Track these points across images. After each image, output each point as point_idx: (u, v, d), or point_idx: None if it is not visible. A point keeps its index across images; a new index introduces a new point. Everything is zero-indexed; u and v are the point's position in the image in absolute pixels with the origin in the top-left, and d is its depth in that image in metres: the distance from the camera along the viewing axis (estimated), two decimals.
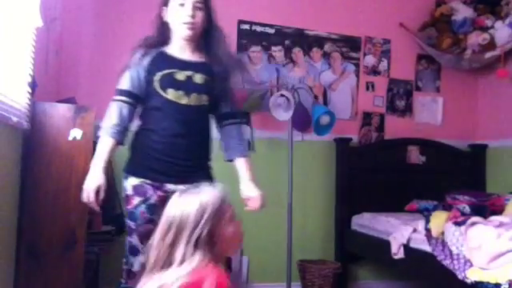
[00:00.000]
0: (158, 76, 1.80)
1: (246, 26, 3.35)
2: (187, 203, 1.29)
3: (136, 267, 1.78)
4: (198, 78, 1.84)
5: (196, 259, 1.22)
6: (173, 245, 1.24)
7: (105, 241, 2.45)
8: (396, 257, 2.53)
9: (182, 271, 1.19)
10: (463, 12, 3.50)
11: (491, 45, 3.34)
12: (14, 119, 1.75)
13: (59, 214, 2.00)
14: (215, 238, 1.28)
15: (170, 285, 1.17)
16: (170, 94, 1.80)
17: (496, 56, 3.33)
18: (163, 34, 1.87)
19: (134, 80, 1.81)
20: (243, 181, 2.01)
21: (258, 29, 3.37)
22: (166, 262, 1.23)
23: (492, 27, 3.38)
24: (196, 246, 1.23)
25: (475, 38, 3.40)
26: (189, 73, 1.83)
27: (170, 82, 1.81)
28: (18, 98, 1.88)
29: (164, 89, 1.80)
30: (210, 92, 1.88)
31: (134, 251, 1.79)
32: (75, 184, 2.02)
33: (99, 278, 2.86)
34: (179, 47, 1.86)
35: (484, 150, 3.65)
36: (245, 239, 3.45)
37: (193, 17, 1.79)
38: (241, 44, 3.33)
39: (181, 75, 1.82)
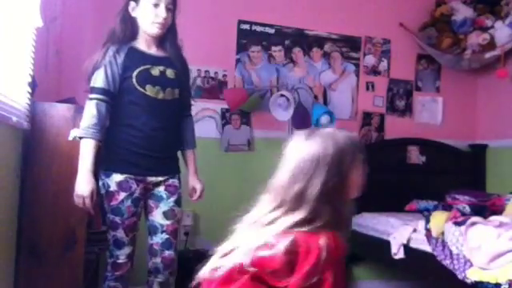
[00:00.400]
0: (135, 72, 1.86)
1: (246, 26, 3.35)
2: (323, 144, 1.12)
3: (122, 259, 1.88)
4: (170, 73, 1.94)
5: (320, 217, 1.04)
6: (301, 195, 1.09)
7: (105, 241, 2.44)
8: (396, 257, 2.53)
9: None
10: (463, 12, 3.49)
11: (491, 45, 3.34)
12: (14, 119, 1.75)
13: (59, 214, 2.00)
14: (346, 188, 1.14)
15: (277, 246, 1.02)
16: (149, 90, 1.87)
17: (496, 56, 3.33)
18: (130, 28, 1.92)
19: (109, 78, 1.84)
20: (191, 173, 2.14)
21: (258, 29, 3.37)
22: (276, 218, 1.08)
23: (492, 27, 3.38)
24: (327, 196, 1.09)
25: (475, 38, 3.40)
26: (161, 68, 1.92)
27: (146, 78, 1.87)
28: (18, 98, 1.88)
29: (142, 85, 1.86)
30: (180, 86, 1.98)
31: (120, 244, 1.87)
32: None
33: (99, 278, 2.85)
34: (146, 43, 1.94)
35: (484, 150, 3.65)
36: None
37: (165, 18, 1.90)
38: (241, 44, 3.33)
39: (155, 71, 1.90)
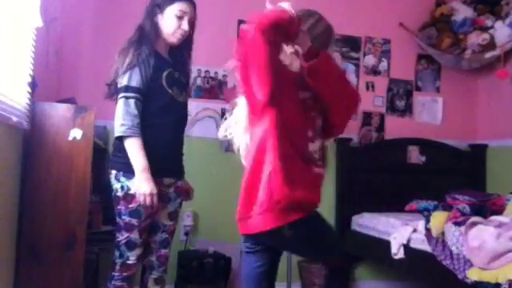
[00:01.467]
0: (164, 74, 1.91)
1: None
2: None
3: (132, 260, 1.88)
4: (182, 77, 2.02)
5: None
6: None
7: (105, 241, 2.45)
8: (396, 257, 2.53)
9: None
10: (463, 12, 3.49)
11: (491, 45, 3.34)
12: (14, 119, 1.75)
13: (59, 214, 2.00)
14: None
15: None
16: (174, 92, 1.93)
17: (496, 56, 3.33)
18: (155, 33, 1.95)
19: (143, 78, 1.85)
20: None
21: None
22: None
23: (492, 27, 3.38)
24: None
25: (475, 38, 3.40)
26: (176, 73, 1.98)
27: (172, 81, 1.93)
28: (18, 98, 1.88)
29: (170, 87, 1.92)
30: (187, 90, 2.08)
31: (132, 246, 1.88)
32: (75, 184, 2.02)
33: (99, 278, 2.85)
34: (163, 47, 1.99)
35: (484, 150, 3.65)
36: None
37: (187, 31, 1.95)
38: None
39: (176, 74, 1.97)
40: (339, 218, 3.36)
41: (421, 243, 2.39)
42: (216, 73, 3.29)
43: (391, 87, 3.67)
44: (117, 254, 1.89)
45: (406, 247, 2.49)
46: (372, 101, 3.61)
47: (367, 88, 3.60)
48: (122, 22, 3.13)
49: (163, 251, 2.00)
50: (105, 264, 2.84)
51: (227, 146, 3.26)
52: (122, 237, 1.88)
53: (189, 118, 3.16)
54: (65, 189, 2.01)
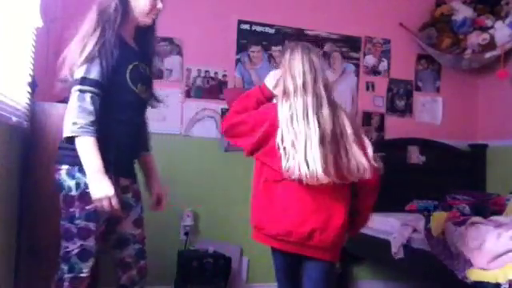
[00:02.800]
0: (128, 69, 1.68)
1: (246, 26, 3.35)
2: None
3: (85, 272, 1.62)
4: (148, 70, 1.80)
5: None
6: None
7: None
8: (396, 257, 2.53)
9: None
10: (463, 12, 3.49)
11: (491, 45, 3.34)
12: (14, 119, 1.75)
13: (59, 214, 2.00)
14: None
15: None
16: (138, 89, 1.72)
17: (496, 56, 3.33)
18: (123, 15, 1.68)
19: (104, 70, 1.59)
20: (156, 178, 1.91)
21: (258, 29, 3.37)
22: None
23: (492, 27, 3.38)
24: None
25: (475, 38, 3.40)
26: (142, 65, 1.76)
27: (137, 77, 1.72)
28: (18, 98, 1.88)
29: (134, 83, 1.70)
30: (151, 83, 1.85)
31: (86, 256, 1.61)
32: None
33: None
34: (129, 32, 1.75)
35: (484, 149, 3.65)
36: (245, 239, 3.47)
37: (161, 10, 1.74)
38: (241, 44, 3.34)
39: (142, 67, 1.75)
40: None
41: (421, 243, 2.38)
42: (216, 73, 3.29)
43: (391, 87, 3.67)
44: (65, 267, 1.59)
45: (406, 247, 2.49)
46: (372, 101, 3.61)
47: (367, 88, 3.60)
48: None
49: (142, 262, 1.80)
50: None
51: (226, 147, 3.26)
52: (73, 246, 1.59)
53: (189, 118, 3.22)
54: None
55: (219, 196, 3.15)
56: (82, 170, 1.57)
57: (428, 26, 3.62)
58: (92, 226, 1.60)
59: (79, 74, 1.57)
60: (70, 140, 1.57)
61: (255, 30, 3.37)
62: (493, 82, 3.59)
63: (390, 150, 3.49)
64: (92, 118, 1.55)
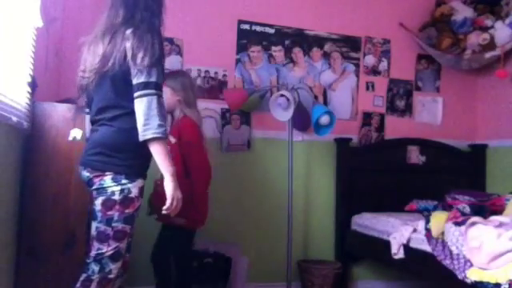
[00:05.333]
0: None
1: (246, 26, 3.35)
2: None
3: (114, 273, 1.68)
4: None
5: None
6: None
7: None
8: (396, 257, 2.53)
9: None
10: (463, 12, 3.49)
11: (491, 45, 3.34)
12: (14, 119, 1.75)
13: (59, 214, 2.00)
14: None
15: None
16: None
17: (496, 56, 3.33)
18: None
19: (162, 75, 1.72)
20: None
21: (258, 29, 3.37)
22: None
23: (492, 27, 3.38)
24: None
25: (475, 38, 3.40)
26: None
27: None
28: (18, 98, 1.88)
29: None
30: None
31: (118, 257, 1.68)
32: (75, 184, 2.02)
33: None
34: None
35: (484, 149, 3.65)
36: (245, 239, 3.47)
37: None
38: (241, 44, 3.34)
39: None
40: (339, 217, 3.36)
41: (421, 243, 2.39)
42: (216, 73, 3.29)
43: (391, 87, 3.67)
44: (95, 268, 1.65)
45: (406, 247, 2.49)
46: (372, 101, 3.61)
47: (367, 88, 3.60)
48: None
49: (127, 256, 1.80)
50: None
51: (227, 146, 3.26)
52: (107, 247, 1.66)
53: None
54: (65, 189, 2.01)
55: (219, 196, 3.14)
56: (128, 178, 1.66)
57: (428, 26, 3.62)
58: (128, 228, 1.69)
59: (152, 78, 1.64)
60: (129, 143, 1.66)
61: (255, 30, 3.37)
62: (493, 82, 3.59)
63: (389, 150, 3.50)
64: (164, 121, 1.66)
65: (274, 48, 3.40)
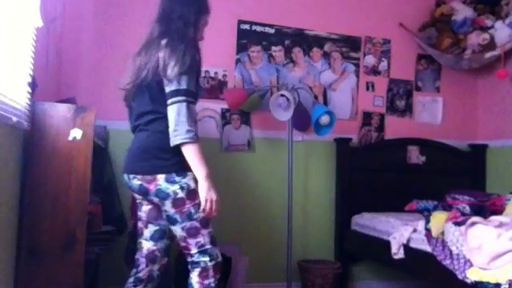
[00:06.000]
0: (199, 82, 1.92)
1: (246, 26, 3.35)
2: None
3: (220, 256, 1.81)
4: None
5: None
6: None
7: (105, 241, 2.45)
8: (396, 257, 2.53)
9: None
10: (463, 12, 3.50)
11: (491, 45, 3.34)
12: (14, 119, 1.75)
13: (59, 214, 2.00)
14: None
15: None
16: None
17: (496, 56, 3.33)
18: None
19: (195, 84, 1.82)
20: None
21: (258, 29, 3.37)
22: None
23: (492, 27, 3.38)
24: None
25: (475, 38, 3.40)
26: None
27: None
28: (18, 98, 1.88)
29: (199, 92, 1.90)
30: None
31: (215, 240, 1.81)
32: (75, 184, 2.02)
33: (99, 278, 2.86)
34: None
35: (484, 149, 3.65)
36: (245, 239, 3.47)
37: None
38: (241, 44, 3.34)
39: None
40: (339, 217, 3.36)
41: (421, 243, 2.39)
42: (216, 73, 3.29)
43: (391, 87, 3.67)
44: (206, 259, 1.77)
45: (406, 247, 2.49)
46: (372, 101, 3.61)
47: (367, 88, 3.61)
48: (122, 22, 3.14)
49: (165, 260, 1.94)
50: (105, 264, 2.84)
51: (227, 146, 3.26)
52: (204, 237, 1.77)
53: None
54: (65, 189, 2.01)
55: (219, 196, 3.14)
56: (179, 174, 1.75)
57: (428, 26, 3.62)
58: (201, 214, 1.77)
59: (183, 85, 1.73)
60: (167, 143, 1.73)
61: (255, 30, 3.37)
62: (493, 82, 3.59)
63: (389, 150, 3.50)
64: (196, 127, 1.76)
65: (274, 48, 3.40)
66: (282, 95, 3.00)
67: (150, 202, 1.85)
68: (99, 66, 3.08)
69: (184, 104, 1.71)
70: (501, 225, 2.01)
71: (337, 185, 3.41)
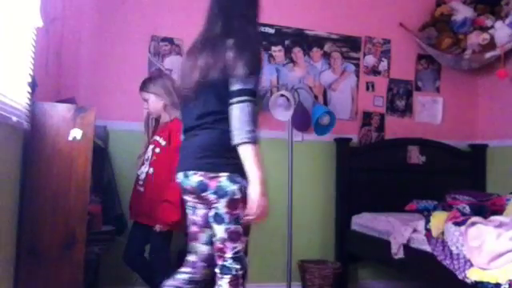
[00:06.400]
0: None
1: None
2: None
3: (247, 264, 1.79)
4: None
5: None
6: None
7: (105, 241, 2.45)
8: (396, 257, 2.54)
9: None
10: (463, 12, 3.50)
11: (491, 45, 3.34)
12: (14, 119, 1.75)
13: (59, 214, 2.00)
14: None
15: None
16: None
17: (496, 56, 3.33)
18: None
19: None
20: None
21: None
22: None
23: (492, 27, 3.38)
24: None
25: (475, 38, 3.40)
26: None
27: None
28: (18, 98, 1.88)
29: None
30: None
31: (247, 249, 1.80)
32: (75, 184, 2.02)
33: (99, 278, 2.86)
34: None
35: (484, 149, 3.65)
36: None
37: None
38: None
39: None
40: (339, 217, 3.36)
41: (421, 243, 2.39)
42: None
43: (391, 87, 3.67)
44: (237, 266, 1.73)
45: (406, 247, 2.49)
46: (372, 101, 3.61)
47: (367, 88, 3.61)
48: (122, 22, 3.14)
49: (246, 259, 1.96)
50: (105, 264, 2.84)
51: None
52: (241, 244, 1.75)
53: None
54: (65, 189, 2.01)
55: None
56: (241, 175, 1.70)
57: (428, 26, 3.62)
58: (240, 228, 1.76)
59: (249, 85, 1.69)
60: (229, 147, 1.68)
61: None
62: (493, 82, 3.59)
63: (389, 150, 3.50)
64: (258, 129, 1.72)
65: (273, 48, 3.40)
66: (282, 95, 3.00)
67: (203, 201, 1.79)
68: (99, 66, 3.08)
69: (248, 104, 1.69)
70: (501, 225, 2.01)
71: (337, 185, 3.41)
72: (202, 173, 1.73)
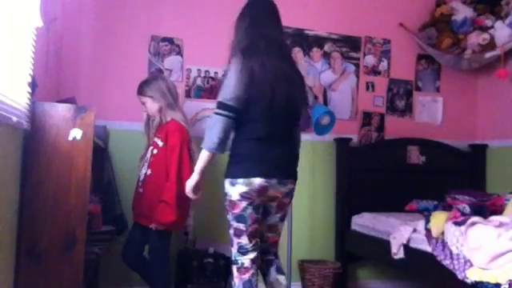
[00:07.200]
0: None
1: None
2: None
3: (247, 263, 2.01)
4: None
5: None
6: None
7: (105, 241, 2.45)
8: (396, 257, 2.53)
9: None
10: (463, 12, 3.50)
11: (491, 45, 3.34)
12: (14, 119, 1.75)
13: (59, 214, 2.00)
14: None
15: None
16: None
17: (496, 56, 3.33)
18: None
19: None
20: None
21: None
22: None
23: (492, 27, 3.38)
24: None
25: (475, 38, 3.40)
26: None
27: None
28: (18, 98, 1.88)
29: None
30: None
31: (244, 251, 2.01)
32: (75, 184, 2.02)
33: (99, 278, 2.86)
34: None
35: (484, 149, 3.65)
36: None
37: None
38: None
39: None
40: (339, 217, 3.36)
41: (421, 243, 2.39)
42: (216, 73, 3.29)
43: (391, 87, 3.67)
44: (233, 259, 2.08)
45: (406, 247, 2.49)
46: (372, 101, 3.61)
47: (367, 88, 3.61)
48: (122, 22, 3.14)
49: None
50: (105, 264, 2.84)
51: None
52: (235, 243, 2.06)
53: (189, 118, 3.22)
54: (65, 189, 2.01)
55: (219, 196, 3.14)
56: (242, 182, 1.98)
57: (428, 26, 3.62)
58: (242, 226, 2.01)
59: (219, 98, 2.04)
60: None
61: None
62: (493, 82, 3.59)
63: (390, 150, 3.50)
64: None
65: None
66: None
67: (276, 204, 2.07)
68: (99, 65, 3.08)
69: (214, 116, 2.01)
70: (501, 225, 2.01)
71: (337, 185, 3.41)
72: (294, 180, 2.11)
